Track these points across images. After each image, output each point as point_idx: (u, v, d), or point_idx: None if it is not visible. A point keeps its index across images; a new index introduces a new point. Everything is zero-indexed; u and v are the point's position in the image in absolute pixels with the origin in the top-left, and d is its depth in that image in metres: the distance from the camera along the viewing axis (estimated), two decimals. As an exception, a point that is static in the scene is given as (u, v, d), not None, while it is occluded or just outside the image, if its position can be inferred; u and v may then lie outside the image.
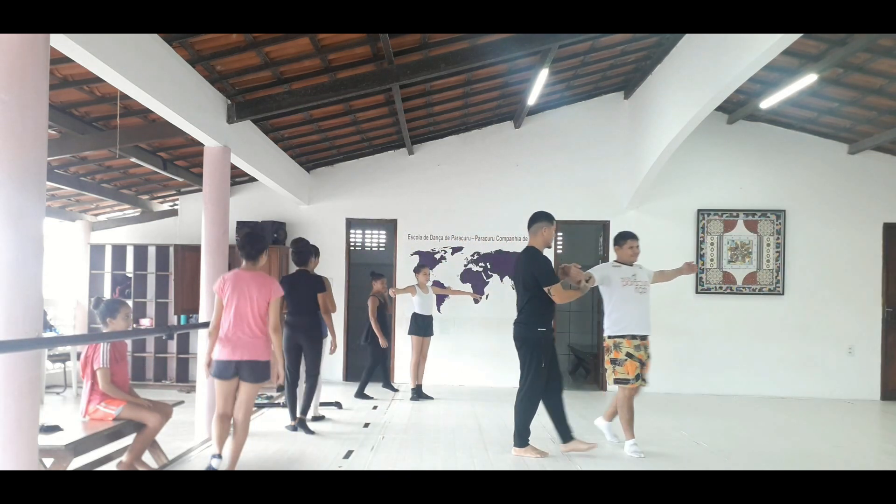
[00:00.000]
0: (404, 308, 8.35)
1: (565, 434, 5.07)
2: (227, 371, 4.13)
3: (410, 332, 7.66)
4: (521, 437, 5.03)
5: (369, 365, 7.85)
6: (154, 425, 4.21)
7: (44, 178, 2.98)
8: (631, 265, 5.35)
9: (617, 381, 5.21)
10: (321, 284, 5.87)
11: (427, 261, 8.74)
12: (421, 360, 7.65)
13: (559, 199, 8.80)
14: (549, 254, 8.74)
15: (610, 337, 5.24)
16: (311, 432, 5.70)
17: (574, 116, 8.86)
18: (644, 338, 5.20)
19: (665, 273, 5.57)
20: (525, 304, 4.99)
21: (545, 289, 4.84)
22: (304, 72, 5.69)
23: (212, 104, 5.41)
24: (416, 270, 7.74)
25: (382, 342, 7.62)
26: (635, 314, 5.18)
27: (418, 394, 7.54)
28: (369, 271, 8.17)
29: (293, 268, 7.84)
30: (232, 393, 4.21)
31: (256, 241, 4.36)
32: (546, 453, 5.02)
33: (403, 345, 8.41)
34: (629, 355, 5.14)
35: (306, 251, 5.93)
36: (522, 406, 5.01)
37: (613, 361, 5.22)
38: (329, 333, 6.04)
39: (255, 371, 4.15)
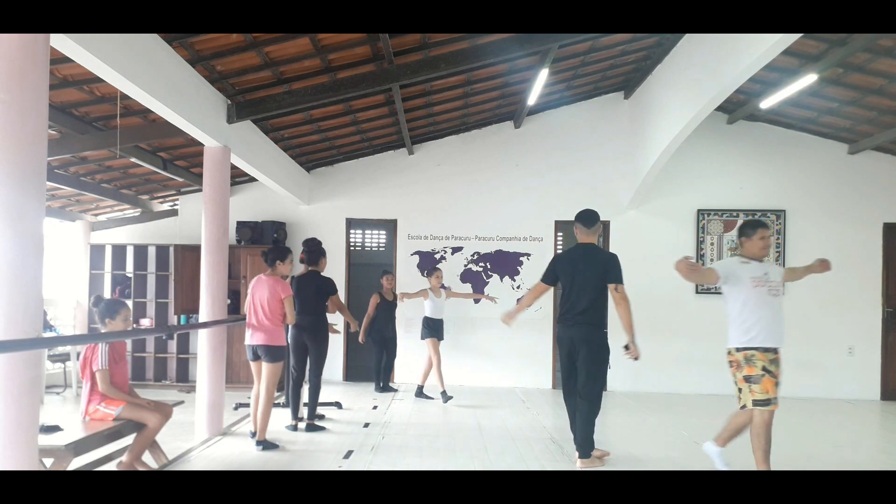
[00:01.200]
0: (411, 310, 8.35)
1: (586, 447, 4.86)
2: (251, 353, 5.30)
3: (425, 337, 7.52)
4: (589, 447, 4.76)
5: (375, 362, 8.04)
6: (154, 425, 4.21)
7: (44, 178, 2.98)
8: (761, 261, 4.45)
9: (756, 403, 4.29)
10: (333, 286, 5.94)
11: (428, 261, 8.74)
12: (437, 364, 7.52)
13: (559, 199, 8.80)
14: (548, 253, 8.82)
15: (739, 349, 4.31)
16: (323, 428, 5.91)
17: (574, 116, 8.86)
18: (776, 351, 4.34)
19: (796, 271, 4.86)
20: (596, 303, 4.70)
21: (616, 287, 4.64)
22: (304, 72, 5.69)
23: (212, 104, 5.41)
24: (429, 273, 7.69)
25: (361, 336, 7.72)
26: (769, 322, 4.31)
27: (445, 396, 7.36)
28: (380, 270, 8.39)
29: (295, 269, 7.86)
30: (258, 372, 5.28)
31: (273, 252, 5.39)
32: (608, 453, 4.97)
33: (402, 347, 8.41)
34: (766, 370, 4.27)
35: (318, 251, 5.98)
36: (595, 413, 4.79)
37: (747, 379, 4.28)
38: (347, 320, 6.42)
39: (269, 353, 5.20)
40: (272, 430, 5.81)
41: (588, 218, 4.86)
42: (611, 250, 8.76)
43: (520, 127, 8.87)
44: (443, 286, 7.98)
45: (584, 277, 4.72)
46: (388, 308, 7.94)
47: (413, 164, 8.98)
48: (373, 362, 8.18)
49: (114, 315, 4.30)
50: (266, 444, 5.17)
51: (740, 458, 5.23)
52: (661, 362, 8.53)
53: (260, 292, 5.23)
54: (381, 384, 8.04)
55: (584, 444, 4.74)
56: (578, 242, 4.90)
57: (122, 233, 9.06)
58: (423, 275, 8.39)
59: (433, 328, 7.53)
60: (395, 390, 8.10)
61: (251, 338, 5.24)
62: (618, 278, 4.68)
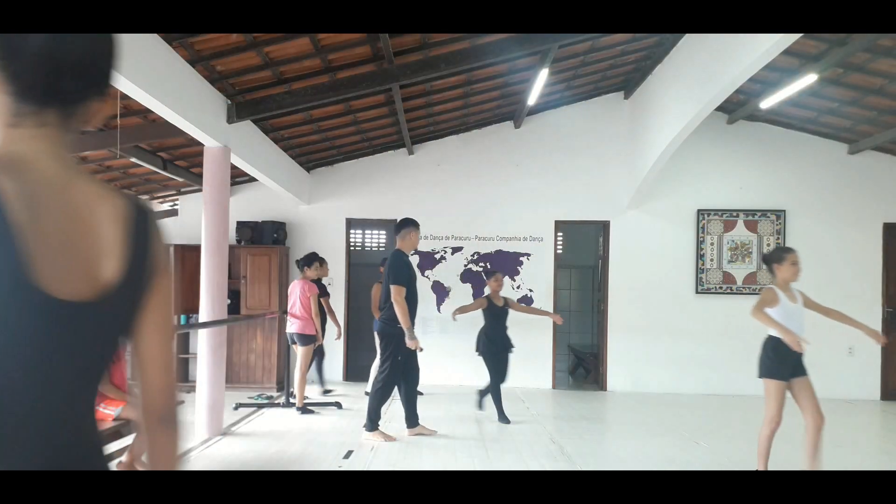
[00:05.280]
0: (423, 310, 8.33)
1: (413, 419, 5.68)
2: (289, 339, 6.74)
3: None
4: (373, 422, 5.49)
5: None
6: (154, 425, 4.21)
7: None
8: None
9: None
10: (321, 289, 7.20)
11: (429, 261, 8.73)
12: None
13: (559, 199, 8.80)
14: (548, 253, 8.82)
15: None
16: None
17: (574, 116, 8.86)
18: None
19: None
20: (387, 301, 5.43)
21: (392, 286, 5.32)
22: (304, 72, 5.69)
23: (212, 104, 5.41)
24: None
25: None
26: None
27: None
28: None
29: (294, 269, 8.12)
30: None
31: (305, 259, 6.91)
32: (394, 438, 5.48)
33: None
34: None
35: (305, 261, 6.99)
36: (379, 393, 5.48)
37: None
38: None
39: (300, 339, 6.59)
40: (272, 431, 5.83)
41: (396, 227, 5.75)
42: (610, 250, 8.78)
43: (520, 127, 8.86)
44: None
45: (385, 279, 5.54)
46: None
47: (413, 164, 8.98)
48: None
49: None
50: (304, 410, 6.54)
51: (740, 458, 5.23)
52: (661, 362, 8.53)
53: (296, 291, 6.68)
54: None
55: (371, 419, 5.52)
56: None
57: (122, 233, 9.05)
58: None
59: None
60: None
61: (289, 327, 6.65)
62: (393, 280, 5.35)
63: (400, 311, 5.28)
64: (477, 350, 6.66)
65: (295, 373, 6.69)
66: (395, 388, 5.66)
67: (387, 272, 5.50)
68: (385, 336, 5.48)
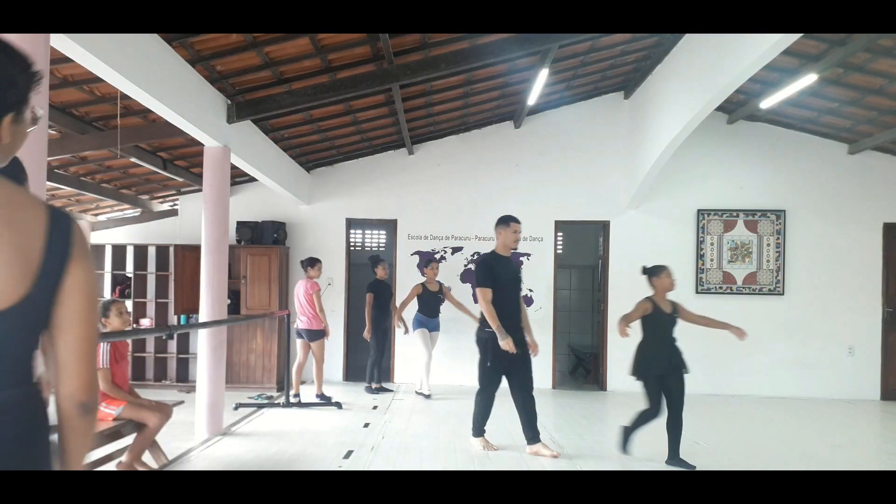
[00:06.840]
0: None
1: (531, 433, 5.16)
2: (297, 334, 7.21)
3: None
4: (478, 427, 5.35)
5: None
6: (154, 425, 4.21)
7: (44, 178, 2.98)
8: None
9: None
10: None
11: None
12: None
13: (559, 199, 8.79)
14: (548, 253, 8.81)
15: None
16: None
17: (574, 116, 8.86)
18: None
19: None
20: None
21: (477, 290, 5.17)
22: (304, 72, 5.69)
23: (212, 104, 5.41)
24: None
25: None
26: None
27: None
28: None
29: (294, 269, 8.16)
30: (304, 347, 7.20)
31: (308, 260, 7.29)
32: (495, 447, 5.28)
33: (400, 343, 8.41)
34: None
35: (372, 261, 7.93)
36: (477, 399, 5.42)
37: None
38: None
39: (309, 334, 7.09)
40: (272, 431, 5.83)
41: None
42: (610, 250, 8.78)
43: (520, 127, 8.86)
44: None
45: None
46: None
47: (413, 164, 8.98)
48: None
49: (106, 313, 4.30)
50: (322, 397, 7.07)
51: (740, 458, 5.23)
52: (661, 362, 8.52)
53: (299, 292, 7.16)
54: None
55: (475, 425, 5.39)
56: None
57: (122, 233, 9.05)
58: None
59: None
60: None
61: (298, 323, 7.15)
62: (475, 283, 5.35)
63: (487, 314, 5.03)
64: (633, 372, 5.09)
65: (314, 365, 7.28)
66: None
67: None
68: (478, 341, 5.34)
